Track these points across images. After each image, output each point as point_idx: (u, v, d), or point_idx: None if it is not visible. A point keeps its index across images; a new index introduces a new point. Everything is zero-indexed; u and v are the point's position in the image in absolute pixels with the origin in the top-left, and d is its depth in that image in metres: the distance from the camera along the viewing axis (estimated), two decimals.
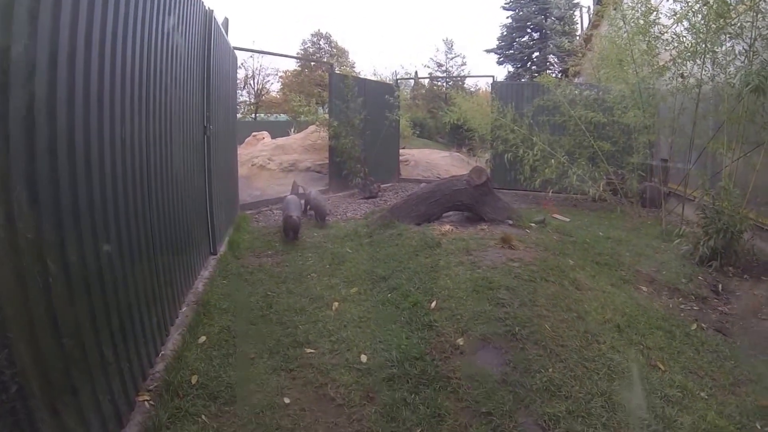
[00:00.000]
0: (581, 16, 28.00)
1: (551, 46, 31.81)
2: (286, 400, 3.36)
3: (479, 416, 3.22)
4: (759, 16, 6.42)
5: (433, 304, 4.64)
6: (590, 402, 3.39)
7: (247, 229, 7.77)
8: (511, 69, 35.18)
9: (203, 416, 3.11)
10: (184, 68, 4.70)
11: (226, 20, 7.50)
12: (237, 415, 3.18)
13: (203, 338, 4.07)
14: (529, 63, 34.24)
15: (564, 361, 3.78)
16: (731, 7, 6.80)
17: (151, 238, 3.54)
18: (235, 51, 8.51)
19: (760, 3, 6.40)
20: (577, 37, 26.53)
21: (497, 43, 36.26)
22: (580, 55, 17.32)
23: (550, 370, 3.66)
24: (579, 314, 4.52)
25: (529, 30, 34.45)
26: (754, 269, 6.33)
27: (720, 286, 5.89)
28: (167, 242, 3.99)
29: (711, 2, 6.95)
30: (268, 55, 38.86)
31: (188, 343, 3.92)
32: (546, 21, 32.53)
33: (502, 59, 36.03)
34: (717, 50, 7.27)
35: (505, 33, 35.63)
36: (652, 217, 9.32)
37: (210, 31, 5.85)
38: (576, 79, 15.81)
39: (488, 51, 37.41)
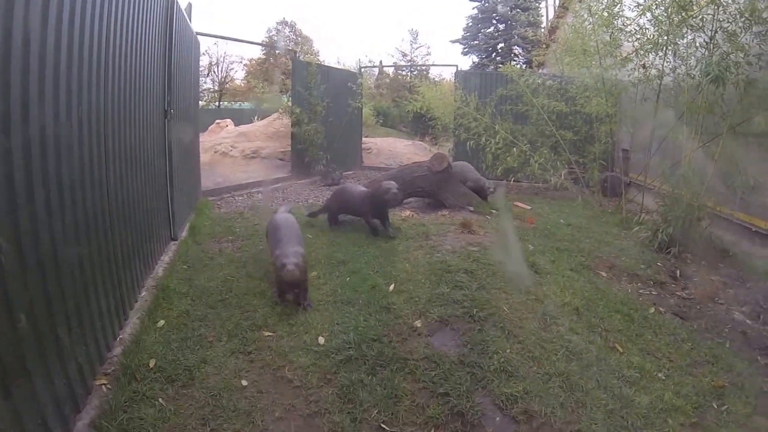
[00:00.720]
0: (546, 8, 28.26)
1: (516, 37, 31.93)
2: (244, 383, 3.34)
3: (436, 397, 3.26)
4: (720, 9, 6.49)
5: (392, 287, 4.68)
6: (548, 382, 3.45)
7: (208, 215, 7.67)
8: (476, 59, 35.18)
9: (160, 399, 3.08)
10: (144, 52, 4.61)
11: (190, 6, 7.39)
12: (194, 397, 3.15)
13: (162, 322, 4.01)
14: (494, 54, 34.27)
15: (522, 343, 3.84)
16: (693, 0, 6.86)
17: (108, 220, 3.48)
18: (199, 37, 8.34)
19: None
20: (543, 29, 26.74)
21: (462, 33, 36.25)
22: (544, 46, 17.42)
23: (508, 351, 3.71)
24: (537, 297, 4.59)
25: (494, 21, 34.44)
26: (711, 256, 6.47)
27: (678, 271, 6.00)
28: (125, 225, 3.92)
29: None
30: (232, 43, 38.38)
31: (147, 326, 3.87)
32: (511, 12, 32.60)
33: (467, 50, 35.95)
34: (679, 42, 7.35)
35: (470, 24, 35.54)
36: (612, 205, 9.43)
37: (172, 16, 5.76)
38: (540, 70, 15.89)
39: (453, 41, 37.41)
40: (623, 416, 3.24)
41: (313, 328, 4.04)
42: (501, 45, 34.03)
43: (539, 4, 32.19)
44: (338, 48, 63.11)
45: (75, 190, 2.83)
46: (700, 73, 6.54)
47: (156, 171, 5.16)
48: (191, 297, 4.56)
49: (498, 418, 3.13)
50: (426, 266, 5.04)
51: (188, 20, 7.10)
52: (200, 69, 30.51)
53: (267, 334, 3.96)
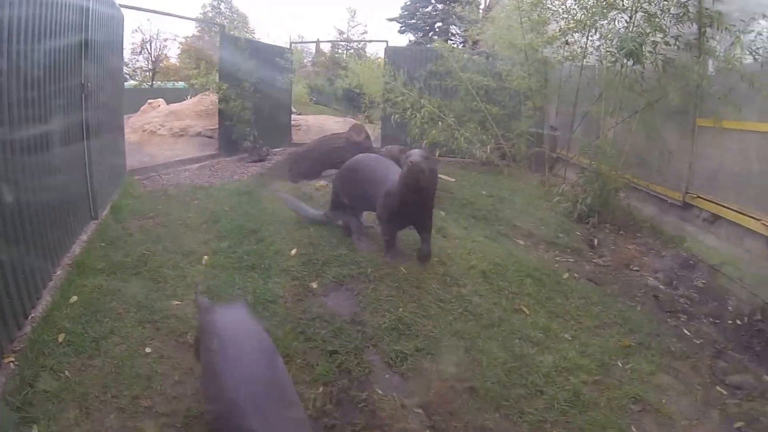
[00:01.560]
0: None
1: (454, 17, 31.87)
2: (148, 350, 3.38)
3: (326, 354, 3.31)
4: None
5: (294, 251, 4.72)
6: (441, 341, 3.48)
7: (133, 194, 7.48)
8: (413, 38, 35.02)
9: (66, 371, 3.08)
10: (55, 23, 4.36)
11: None
12: (98, 367, 3.16)
13: (75, 298, 3.93)
14: (432, 33, 34.23)
15: (417, 302, 3.88)
16: None
17: (14, 198, 3.34)
18: (124, 10, 7.98)
19: None
20: (481, 9, 26.86)
21: (400, 12, 36.08)
22: (479, 25, 17.51)
23: (401, 309, 3.76)
24: (440, 260, 4.62)
25: (433, 0, 34.44)
26: (629, 226, 6.64)
27: (596, 240, 6.13)
28: (35, 204, 3.77)
29: None
30: (166, 21, 37.30)
31: (58, 303, 3.80)
32: None
33: (404, 28, 35.82)
34: (602, 22, 7.43)
35: (408, 2, 35.44)
36: (537, 179, 9.53)
37: None
38: (475, 48, 15.99)
39: (390, 20, 37.26)
40: (522, 374, 3.28)
41: (216, 294, 4.05)
42: (439, 24, 34.04)
43: None
44: (275, 26, 61.43)
45: None
46: (616, 48, 6.62)
47: (72, 149, 4.97)
48: (107, 273, 4.47)
49: (387, 375, 3.16)
50: (329, 231, 5.10)
51: None
52: (133, 46, 29.25)
53: (175, 303, 3.97)
